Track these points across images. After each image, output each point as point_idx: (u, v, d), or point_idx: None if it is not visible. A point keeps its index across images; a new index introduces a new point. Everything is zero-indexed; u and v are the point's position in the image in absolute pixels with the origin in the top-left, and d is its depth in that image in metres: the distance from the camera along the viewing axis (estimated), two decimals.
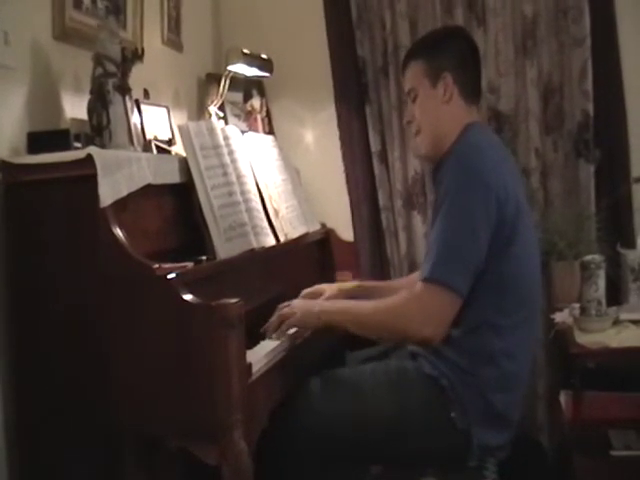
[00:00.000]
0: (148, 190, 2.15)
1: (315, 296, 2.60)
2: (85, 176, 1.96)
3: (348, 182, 3.65)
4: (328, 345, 2.51)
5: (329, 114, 3.67)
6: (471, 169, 2.11)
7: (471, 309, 2.12)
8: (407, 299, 2.13)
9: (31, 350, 2.05)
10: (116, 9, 2.73)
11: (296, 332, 2.32)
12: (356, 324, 2.22)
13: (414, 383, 2.21)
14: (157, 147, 2.61)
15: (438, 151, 2.28)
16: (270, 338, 2.27)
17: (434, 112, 2.29)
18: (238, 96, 3.56)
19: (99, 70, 2.26)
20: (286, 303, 2.35)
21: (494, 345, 2.14)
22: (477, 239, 2.07)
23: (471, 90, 2.32)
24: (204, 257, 2.22)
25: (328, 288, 2.64)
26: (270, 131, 3.69)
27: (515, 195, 2.14)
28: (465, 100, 2.30)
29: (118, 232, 1.95)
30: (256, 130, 3.52)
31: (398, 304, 2.14)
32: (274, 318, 2.31)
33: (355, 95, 3.62)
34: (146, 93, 2.82)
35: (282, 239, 2.70)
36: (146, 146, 2.52)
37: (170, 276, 1.92)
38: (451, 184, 2.11)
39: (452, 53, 2.29)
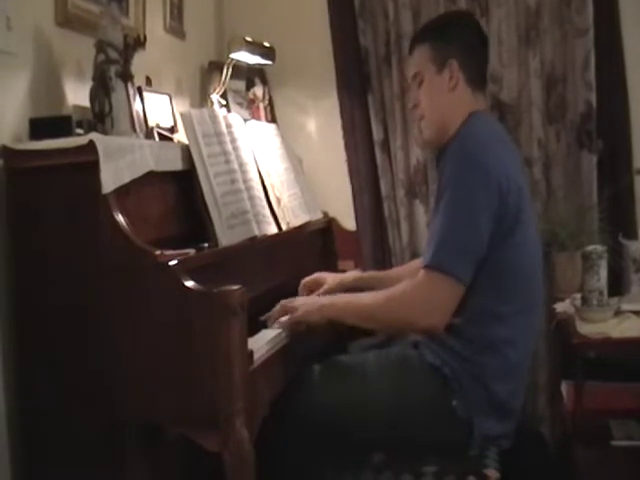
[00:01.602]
0: (150, 177, 2.14)
1: (315, 285, 2.62)
2: (87, 162, 1.95)
3: (350, 171, 3.65)
4: (330, 333, 2.51)
5: (331, 103, 3.66)
6: (473, 159, 2.10)
7: (472, 297, 2.12)
8: (409, 288, 2.13)
9: (31, 337, 2.05)
10: None
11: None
12: (359, 317, 2.23)
13: (416, 371, 2.21)
14: (159, 134, 2.60)
15: (441, 137, 2.27)
16: (271, 327, 2.27)
17: (439, 98, 2.28)
18: (240, 84, 3.56)
19: (101, 57, 2.25)
20: (289, 299, 2.34)
21: (496, 333, 2.15)
22: (479, 227, 2.07)
23: (478, 77, 2.31)
24: (206, 244, 2.22)
25: (329, 278, 2.65)
26: (272, 119, 3.69)
27: (517, 184, 2.13)
28: (471, 87, 2.28)
29: (120, 219, 1.95)
30: (258, 118, 3.51)
31: (401, 294, 2.14)
32: (277, 308, 2.31)
33: (357, 84, 3.62)
34: (148, 80, 2.81)
35: (284, 227, 2.70)
36: (148, 133, 2.52)
37: (172, 263, 1.91)
38: (453, 173, 2.11)
39: (459, 39, 2.27)
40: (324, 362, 2.28)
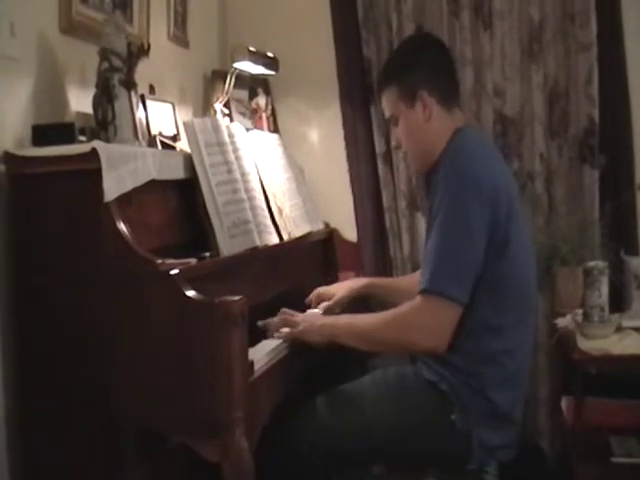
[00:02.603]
0: (152, 186, 2.13)
1: (327, 297, 2.65)
2: (89, 170, 1.94)
3: (352, 182, 3.66)
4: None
5: (334, 114, 3.67)
6: (464, 174, 2.10)
7: (468, 312, 2.11)
8: (409, 312, 2.12)
9: (32, 344, 2.04)
10: (122, 4, 2.72)
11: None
12: (359, 340, 2.22)
13: (413, 390, 2.21)
14: (162, 143, 2.60)
15: (429, 163, 2.27)
16: (270, 337, 2.27)
17: (418, 133, 2.28)
18: (243, 94, 3.56)
19: (105, 64, 2.24)
20: (291, 312, 2.35)
21: (493, 345, 2.14)
22: (475, 245, 2.07)
23: (449, 95, 2.30)
24: (207, 254, 2.21)
25: (339, 290, 2.68)
26: (275, 129, 3.69)
27: (507, 196, 2.13)
28: (446, 108, 2.27)
29: (122, 227, 1.94)
30: (261, 128, 3.52)
31: (401, 317, 2.14)
32: (277, 320, 2.31)
33: (360, 95, 3.62)
34: (151, 89, 2.81)
35: (285, 238, 2.68)
36: (151, 141, 2.51)
37: (173, 272, 1.90)
38: (445, 193, 2.10)
39: (422, 67, 2.26)
40: (325, 393, 2.27)
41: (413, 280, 2.50)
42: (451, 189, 2.09)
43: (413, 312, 2.11)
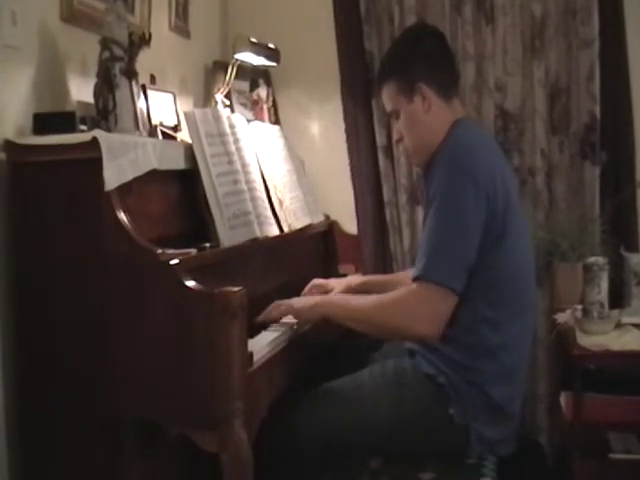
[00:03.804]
0: (153, 175, 2.12)
1: (323, 289, 2.63)
2: (90, 159, 1.93)
3: (353, 175, 3.65)
4: (330, 336, 2.50)
5: (335, 106, 3.66)
6: (461, 166, 2.10)
7: (465, 305, 2.11)
8: (403, 297, 2.12)
9: (30, 333, 2.03)
10: None
11: (295, 324, 2.31)
12: (352, 320, 2.22)
13: (412, 384, 2.20)
14: (163, 133, 2.59)
15: (430, 154, 2.26)
16: (264, 322, 2.28)
17: (419, 125, 2.27)
18: (245, 85, 3.55)
19: (106, 54, 2.23)
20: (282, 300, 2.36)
21: (491, 339, 2.14)
22: (469, 235, 2.07)
23: (448, 85, 2.30)
24: (207, 244, 2.20)
25: (337, 285, 2.66)
26: (276, 121, 3.68)
27: (505, 189, 2.13)
28: (445, 99, 2.27)
29: (122, 216, 1.93)
30: (262, 120, 3.50)
31: (394, 302, 2.14)
32: (270, 307, 2.32)
33: (362, 89, 3.61)
34: (153, 79, 2.80)
35: (286, 229, 2.68)
36: (152, 131, 2.50)
37: (173, 262, 1.89)
38: (441, 182, 2.10)
39: (420, 60, 2.25)
40: (324, 387, 2.27)
41: (408, 276, 2.51)
42: (448, 180, 2.10)
43: (410, 298, 2.10)
